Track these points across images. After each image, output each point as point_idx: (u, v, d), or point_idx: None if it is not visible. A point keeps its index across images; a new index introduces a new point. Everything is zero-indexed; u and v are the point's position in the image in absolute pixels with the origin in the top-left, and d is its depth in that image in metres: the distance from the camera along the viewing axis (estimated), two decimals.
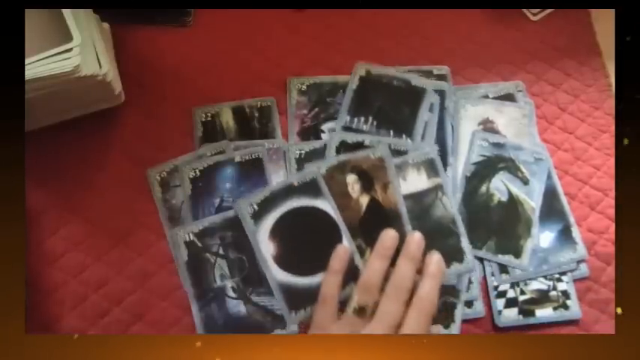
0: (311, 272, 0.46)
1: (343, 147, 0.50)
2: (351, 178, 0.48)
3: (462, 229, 0.48)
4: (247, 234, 0.47)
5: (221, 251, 0.47)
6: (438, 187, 0.49)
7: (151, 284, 0.47)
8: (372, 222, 0.47)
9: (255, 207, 0.47)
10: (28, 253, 0.47)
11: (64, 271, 0.47)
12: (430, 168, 0.50)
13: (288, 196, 0.48)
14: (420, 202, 0.49)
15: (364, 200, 0.48)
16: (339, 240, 0.47)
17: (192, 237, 0.47)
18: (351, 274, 0.45)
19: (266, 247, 0.47)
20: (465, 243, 0.48)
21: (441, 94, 0.53)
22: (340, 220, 0.47)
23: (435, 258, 0.42)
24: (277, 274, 0.46)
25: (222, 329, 0.45)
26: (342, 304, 0.42)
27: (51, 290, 0.47)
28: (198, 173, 0.49)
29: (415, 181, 0.49)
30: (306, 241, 0.47)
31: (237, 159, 0.49)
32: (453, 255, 0.47)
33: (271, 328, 0.45)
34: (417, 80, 0.53)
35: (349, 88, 0.53)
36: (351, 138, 0.50)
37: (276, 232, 0.47)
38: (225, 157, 0.49)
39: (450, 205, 0.49)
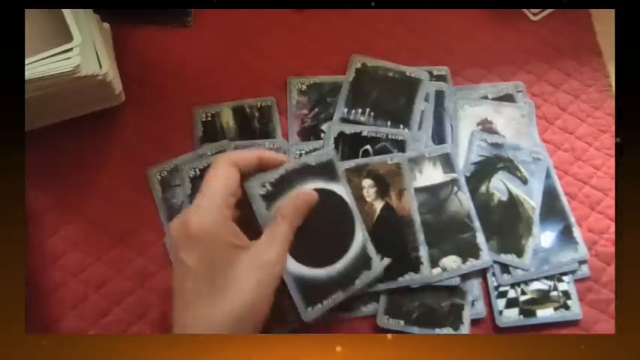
0: (326, 263, 0.43)
1: (341, 138, 0.50)
2: (367, 183, 0.48)
3: (477, 224, 0.48)
4: (257, 218, 0.40)
5: None
6: (454, 182, 0.49)
7: (151, 284, 0.47)
8: (384, 228, 0.47)
9: (269, 187, 0.41)
10: (28, 253, 0.47)
11: (64, 271, 0.47)
12: (446, 163, 0.50)
13: (304, 176, 0.42)
14: (435, 195, 0.49)
15: (378, 205, 0.48)
16: (353, 228, 0.44)
17: None
18: (364, 263, 0.44)
19: None
20: (480, 238, 0.48)
21: (441, 94, 0.53)
22: (354, 206, 0.44)
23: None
24: (290, 266, 0.42)
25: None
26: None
27: (51, 290, 0.47)
28: (198, 172, 0.49)
29: (431, 175, 0.49)
30: (320, 228, 0.43)
31: None
32: (468, 250, 0.47)
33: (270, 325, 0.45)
34: (411, 71, 0.53)
35: (345, 81, 0.53)
36: (349, 129, 0.51)
37: None
38: None
39: (466, 200, 0.49)
